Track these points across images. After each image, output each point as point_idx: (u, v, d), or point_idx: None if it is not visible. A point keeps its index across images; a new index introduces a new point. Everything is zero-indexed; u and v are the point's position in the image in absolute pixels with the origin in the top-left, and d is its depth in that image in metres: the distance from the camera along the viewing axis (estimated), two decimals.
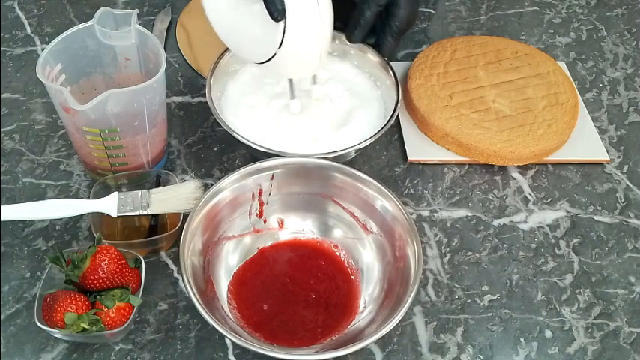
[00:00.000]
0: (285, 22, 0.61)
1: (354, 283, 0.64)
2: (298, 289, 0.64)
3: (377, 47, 0.76)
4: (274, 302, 0.63)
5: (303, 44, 0.64)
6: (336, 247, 0.66)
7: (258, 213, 0.67)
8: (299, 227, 0.68)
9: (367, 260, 0.65)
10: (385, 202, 0.63)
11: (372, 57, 0.77)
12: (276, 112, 0.73)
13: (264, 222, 0.67)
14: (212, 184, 0.63)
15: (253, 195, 0.65)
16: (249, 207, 0.66)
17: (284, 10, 0.60)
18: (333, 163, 0.65)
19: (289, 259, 0.66)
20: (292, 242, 0.67)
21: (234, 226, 0.66)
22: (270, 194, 0.66)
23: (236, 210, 0.65)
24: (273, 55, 0.64)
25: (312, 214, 0.67)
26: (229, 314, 0.61)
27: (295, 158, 0.65)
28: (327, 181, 0.65)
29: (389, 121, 0.70)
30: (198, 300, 0.55)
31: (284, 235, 0.68)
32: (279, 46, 0.63)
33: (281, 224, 0.68)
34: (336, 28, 0.67)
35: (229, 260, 0.65)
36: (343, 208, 0.66)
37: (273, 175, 0.65)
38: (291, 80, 0.71)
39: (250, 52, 0.68)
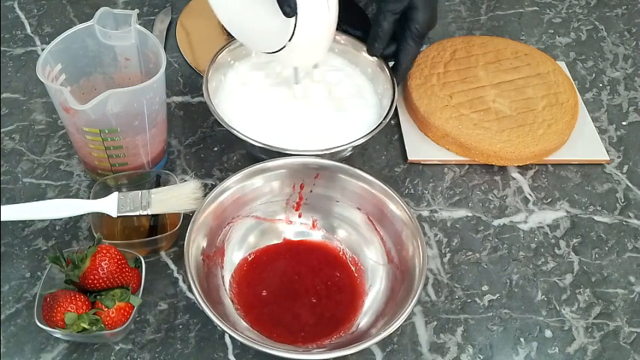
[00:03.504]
0: (296, 18, 0.62)
1: (358, 304, 0.63)
2: (302, 289, 0.64)
3: (397, 55, 0.75)
4: (274, 291, 0.63)
5: (312, 38, 0.66)
6: (356, 264, 0.66)
7: (296, 205, 0.67)
8: (330, 233, 0.68)
9: (376, 286, 0.64)
10: (395, 208, 0.63)
11: (369, 56, 0.77)
12: (274, 108, 0.73)
13: (299, 216, 0.68)
14: (212, 185, 0.63)
15: (294, 186, 0.66)
16: (288, 197, 0.67)
17: (296, 8, 0.61)
18: (361, 172, 0.65)
19: (308, 259, 0.66)
20: (318, 245, 0.67)
21: (267, 209, 0.67)
22: (311, 191, 0.66)
23: (273, 194, 0.66)
24: (283, 47, 0.65)
25: (346, 226, 0.67)
26: (226, 286, 0.62)
27: (299, 158, 0.65)
28: (359, 192, 0.65)
29: (385, 116, 0.70)
30: (198, 291, 0.55)
31: (314, 236, 0.68)
32: (290, 39, 0.64)
33: (314, 224, 0.68)
34: (340, 29, 0.68)
35: (250, 237, 0.66)
36: (377, 230, 0.65)
37: (318, 174, 0.65)
38: (296, 68, 0.72)
39: (259, 43, 0.69)
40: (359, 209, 0.66)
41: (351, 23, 0.78)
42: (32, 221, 0.68)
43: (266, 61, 0.77)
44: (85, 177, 0.73)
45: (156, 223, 0.68)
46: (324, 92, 0.75)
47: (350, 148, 0.69)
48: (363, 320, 0.61)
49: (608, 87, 0.88)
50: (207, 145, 0.77)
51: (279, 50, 0.66)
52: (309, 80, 0.75)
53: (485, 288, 0.67)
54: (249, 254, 0.66)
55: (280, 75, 0.76)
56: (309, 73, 0.75)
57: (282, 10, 0.61)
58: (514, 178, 0.76)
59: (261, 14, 0.66)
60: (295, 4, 0.61)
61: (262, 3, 0.64)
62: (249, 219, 0.66)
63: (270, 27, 0.65)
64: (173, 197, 0.63)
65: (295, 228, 0.68)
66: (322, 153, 0.67)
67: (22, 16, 0.90)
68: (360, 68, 0.78)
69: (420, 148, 0.77)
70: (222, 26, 0.72)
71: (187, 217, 0.62)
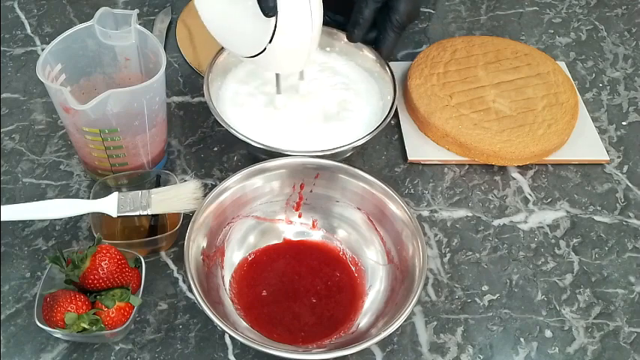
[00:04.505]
0: (276, 18, 0.62)
1: (358, 304, 0.63)
2: (302, 289, 0.64)
3: (377, 43, 0.76)
4: (274, 291, 0.63)
5: (293, 41, 0.65)
6: (356, 264, 0.66)
7: (296, 205, 0.67)
8: (330, 233, 0.68)
9: (376, 286, 0.64)
10: (395, 208, 0.63)
11: (369, 54, 0.77)
12: (274, 110, 0.73)
13: (299, 216, 0.68)
14: (212, 185, 0.63)
15: (294, 186, 0.66)
16: (288, 197, 0.67)
17: (275, 7, 0.61)
18: (360, 172, 0.65)
19: (309, 259, 0.66)
20: (318, 245, 0.67)
21: (267, 209, 0.67)
22: (311, 191, 0.66)
23: (273, 194, 0.66)
24: (263, 50, 0.65)
25: (346, 226, 0.67)
26: (226, 286, 0.62)
27: (299, 158, 0.65)
28: (359, 192, 0.65)
29: (387, 116, 0.70)
30: (198, 291, 0.55)
31: (314, 236, 0.68)
32: (270, 42, 0.63)
33: (314, 224, 0.68)
34: (329, 21, 0.67)
35: (250, 237, 0.66)
36: (377, 230, 0.65)
37: (318, 174, 0.65)
38: (278, 75, 0.72)
39: (240, 46, 0.68)
40: (359, 209, 0.66)
41: (333, 8, 0.78)
42: (32, 221, 0.68)
43: None
44: (85, 177, 0.73)
45: (156, 223, 0.68)
46: (321, 105, 0.75)
47: (350, 149, 0.69)
48: (363, 320, 0.61)
49: (608, 87, 0.88)
50: (207, 145, 0.77)
51: (259, 53, 0.65)
52: (294, 91, 0.75)
53: (485, 288, 0.67)
54: (249, 254, 0.66)
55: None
56: (295, 86, 0.74)
57: (261, 10, 0.60)
58: (514, 178, 0.76)
59: (242, 17, 0.65)
60: (275, 3, 0.60)
61: (243, 5, 0.63)
62: (249, 219, 0.66)
63: (251, 29, 0.65)
64: (173, 197, 0.63)
65: (295, 228, 0.68)
66: (322, 154, 0.66)
67: (22, 16, 0.90)
68: (360, 67, 0.78)
69: (420, 148, 0.77)
70: None
71: (187, 217, 0.62)
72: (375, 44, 0.76)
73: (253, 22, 0.63)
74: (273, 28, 0.62)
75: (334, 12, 0.78)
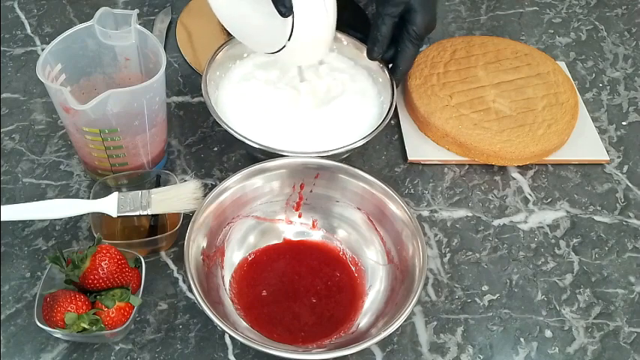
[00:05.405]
0: (293, 17, 0.62)
1: (358, 305, 0.63)
2: (302, 289, 0.64)
3: (395, 59, 0.74)
4: (274, 291, 0.63)
5: (311, 37, 0.66)
6: (356, 264, 0.66)
7: (296, 205, 0.67)
8: (330, 233, 0.68)
9: (376, 286, 0.64)
10: (395, 208, 0.63)
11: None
12: (273, 108, 0.73)
13: (299, 216, 0.68)
14: (212, 185, 0.63)
15: (294, 186, 0.66)
16: (288, 197, 0.67)
17: (291, 7, 0.62)
18: (359, 171, 0.65)
19: (309, 259, 0.66)
20: (318, 245, 0.67)
21: (267, 209, 0.67)
22: (311, 191, 0.66)
23: (273, 194, 0.66)
24: (283, 47, 0.66)
25: (346, 226, 0.67)
26: (226, 286, 0.62)
27: (299, 158, 0.65)
28: (359, 192, 0.65)
29: (386, 116, 0.70)
30: (198, 291, 0.55)
31: (314, 236, 0.68)
32: (289, 39, 0.64)
33: (314, 224, 0.68)
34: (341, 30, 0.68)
35: (250, 237, 0.66)
36: (377, 230, 0.65)
37: (318, 174, 0.65)
38: (300, 66, 0.73)
39: (260, 44, 0.70)
40: (359, 209, 0.66)
41: (351, 25, 0.79)
42: (32, 221, 0.68)
43: (265, 61, 0.77)
44: (85, 177, 0.73)
45: (156, 223, 0.68)
46: (327, 91, 0.75)
47: (350, 149, 0.69)
48: (363, 320, 0.62)
49: (608, 87, 0.88)
50: (207, 145, 0.77)
51: (279, 50, 0.66)
52: (314, 77, 0.75)
53: (485, 288, 0.67)
54: (249, 254, 0.66)
55: (281, 75, 0.76)
56: (315, 71, 0.75)
57: (277, 10, 0.61)
58: (514, 178, 0.76)
59: (259, 15, 0.66)
60: (290, 3, 0.61)
61: (261, 4, 0.64)
62: (249, 219, 0.66)
63: (269, 28, 0.65)
64: (173, 197, 0.63)
65: (295, 228, 0.68)
66: (322, 154, 0.66)
67: (22, 16, 0.90)
68: (360, 68, 0.78)
69: (420, 148, 0.77)
70: (223, 26, 0.73)
71: (187, 217, 0.62)
72: (393, 59, 0.75)
73: (271, 21, 0.64)
74: (290, 27, 0.63)
75: (353, 29, 0.79)
